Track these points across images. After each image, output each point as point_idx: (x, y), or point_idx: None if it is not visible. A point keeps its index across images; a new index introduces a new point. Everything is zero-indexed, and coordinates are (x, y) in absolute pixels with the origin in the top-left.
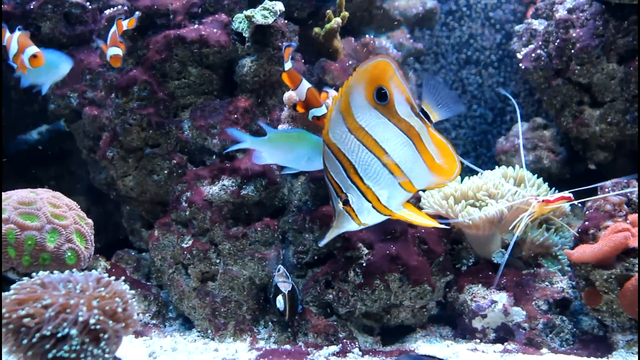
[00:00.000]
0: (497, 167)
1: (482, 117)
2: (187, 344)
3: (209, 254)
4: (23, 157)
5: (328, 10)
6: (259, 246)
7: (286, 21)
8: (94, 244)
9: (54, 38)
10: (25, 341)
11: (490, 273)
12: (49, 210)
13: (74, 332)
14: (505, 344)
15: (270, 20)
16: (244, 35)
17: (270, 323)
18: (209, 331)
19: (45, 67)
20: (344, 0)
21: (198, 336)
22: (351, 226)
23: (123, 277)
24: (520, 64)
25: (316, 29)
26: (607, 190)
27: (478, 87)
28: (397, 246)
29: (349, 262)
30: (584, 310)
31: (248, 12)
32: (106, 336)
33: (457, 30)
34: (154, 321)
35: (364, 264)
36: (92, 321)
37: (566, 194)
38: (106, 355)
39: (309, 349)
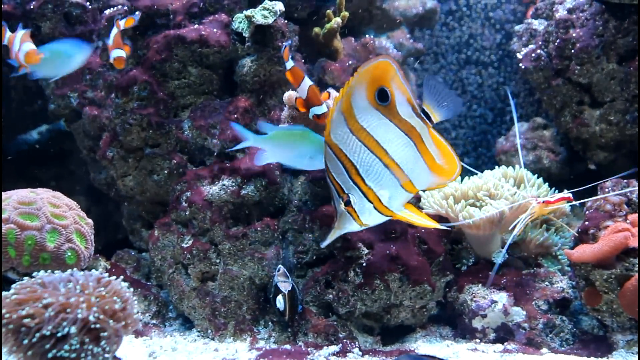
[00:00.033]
0: (497, 167)
1: (482, 117)
2: (187, 343)
3: (209, 254)
4: (23, 157)
5: (328, 10)
6: (258, 246)
7: (286, 21)
8: (94, 244)
9: (54, 38)
10: (25, 341)
11: (490, 273)
12: (49, 210)
13: (73, 330)
14: (505, 344)
15: (270, 20)
16: (244, 35)
17: (270, 323)
18: (209, 331)
19: (59, 58)
20: (344, 0)
21: (198, 336)
22: (353, 227)
23: (122, 277)
24: (520, 64)
25: (316, 29)
26: (607, 190)
27: (478, 87)
28: (397, 246)
29: (349, 262)
30: (584, 310)
31: (248, 12)
32: (105, 334)
33: (457, 30)
34: (154, 321)
35: (364, 264)
36: (91, 319)
37: (566, 194)
38: (106, 355)
39: (309, 349)
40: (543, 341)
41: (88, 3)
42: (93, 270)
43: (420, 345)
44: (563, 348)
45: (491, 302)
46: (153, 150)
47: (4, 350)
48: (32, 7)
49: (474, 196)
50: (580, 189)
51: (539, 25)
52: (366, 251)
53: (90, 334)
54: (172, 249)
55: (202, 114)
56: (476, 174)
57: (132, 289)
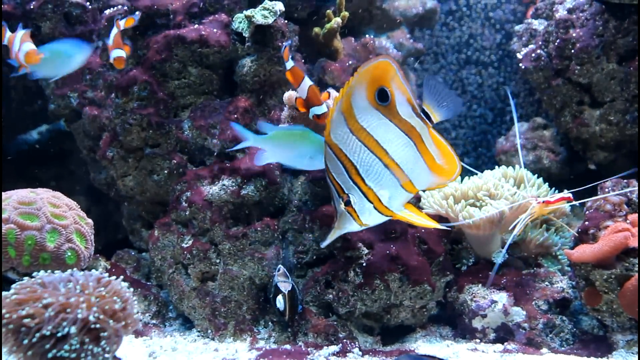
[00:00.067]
0: (497, 167)
1: (482, 117)
2: (187, 343)
3: (209, 254)
4: (23, 157)
5: (328, 10)
6: (258, 246)
7: (286, 21)
8: (94, 244)
9: (54, 38)
10: (25, 341)
11: (490, 273)
12: (49, 210)
13: (73, 330)
14: (505, 344)
15: (270, 20)
16: (244, 35)
17: (270, 323)
18: (209, 331)
19: (59, 58)
20: (344, 0)
21: (198, 336)
22: (353, 227)
23: (122, 277)
24: (520, 64)
25: (316, 29)
26: (607, 190)
27: (478, 87)
28: (397, 246)
29: (349, 262)
30: (584, 310)
31: (248, 12)
32: (105, 334)
33: (457, 30)
34: (154, 321)
35: (364, 264)
36: (91, 319)
37: (566, 194)
38: (106, 355)
39: (309, 349)
40: (543, 341)
41: (88, 3)
42: (93, 270)
43: (420, 345)
44: (563, 348)
45: (491, 302)
46: (153, 150)
47: (4, 350)
48: (32, 7)
49: (474, 196)
50: (580, 189)
51: (539, 25)
52: (366, 251)
53: (90, 334)
54: (172, 249)
55: (202, 114)
56: (476, 174)
57: (132, 289)
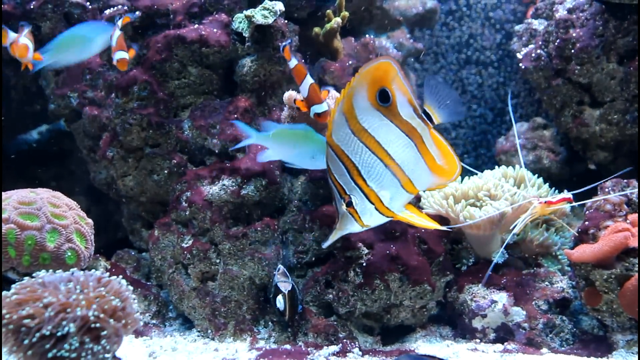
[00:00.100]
0: (497, 167)
1: (482, 117)
2: (187, 343)
3: (209, 254)
4: (23, 157)
5: (328, 10)
6: (259, 246)
7: (286, 21)
8: (94, 244)
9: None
10: (26, 341)
11: (490, 273)
12: (49, 210)
13: (72, 329)
14: (505, 343)
15: (270, 20)
16: (244, 35)
17: (270, 323)
18: (209, 331)
19: (81, 42)
20: (344, 0)
21: (198, 336)
22: (354, 228)
23: (122, 276)
24: (520, 64)
25: (316, 29)
26: (607, 190)
27: (478, 87)
28: (397, 246)
29: (349, 262)
30: (584, 310)
31: (248, 12)
32: (105, 333)
33: (457, 30)
34: (154, 321)
35: (364, 264)
36: (90, 315)
37: (567, 194)
38: (106, 355)
39: (309, 349)
40: (543, 341)
41: (88, 3)
42: (93, 270)
43: (420, 345)
44: (563, 348)
45: (491, 302)
46: (153, 150)
47: (4, 350)
48: (32, 7)
49: (474, 196)
50: (582, 190)
51: (539, 25)
52: (366, 251)
53: (90, 333)
54: (172, 249)
55: (202, 114)
56: (476, 173)
57: (131, 288)
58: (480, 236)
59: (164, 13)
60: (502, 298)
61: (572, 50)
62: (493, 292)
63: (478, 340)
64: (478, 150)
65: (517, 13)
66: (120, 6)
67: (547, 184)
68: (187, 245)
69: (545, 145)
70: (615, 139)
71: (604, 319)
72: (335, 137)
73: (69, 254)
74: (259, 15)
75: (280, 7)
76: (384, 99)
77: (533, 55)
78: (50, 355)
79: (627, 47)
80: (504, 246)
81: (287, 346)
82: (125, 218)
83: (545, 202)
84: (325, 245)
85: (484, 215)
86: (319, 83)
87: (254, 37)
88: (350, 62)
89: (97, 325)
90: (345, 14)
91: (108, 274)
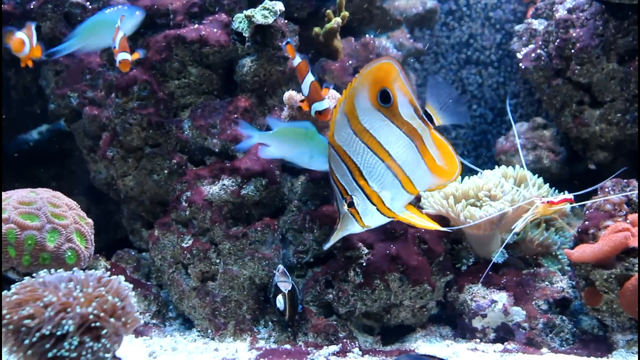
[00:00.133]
0: (497, 166)
1: (482, 117)
2: (187, 343)
3: (209, 254)
4: (23, 157)
5: (328, 10)
6: (259, 246)
7: (286, 21)
8: (94, 244)
9: (54, 38)
10: (26, 341)
11: (490, 273)
12: (49, 210)
13: (71, 327)
14: (505, 343)
15: (270, 20)
16: (244, 35)
17: (270, 323)
18: (209, 331)
19: (107, 27)
20: (344, 0)
21: (198, 336)
22: (355, 228)
23: (122, 276)
24: (520, 64)
25: (316, 29)
26: (607, 189)
27: (478, 87)
28: (397, 246)
29: (349, 261)
30: (584, 310)
31: (248, 12)
32: (105, 332)
33: (457, 30)
34: (154, 321)
35: (364, 264)
36: (89, 311)
37: (568, 195)
38: (106, 355)
39: (309, 349)
40: (543, 341)
41: (88, 3)
42: (93, 270)
43: (420, 345)
44: (563, 348)
45: (491, 301)
46: (153, 150)
47: (4, 350)
48: (32, 6)
49: (474, 196)
50: (583, 192)
51: (539, 25)
52: (366, 251)
53: (91, 333)
54: (172, 249)
55: (202, 114)
56: (479, 172)
57: (131, 286)
58: (480, 236)
59: (164, 13)
60: (502, 298)
61: (572, 50)
62: (493, 292)
63: (478, 340)
64: (478, 150)
65: (517, 13)
66: (120, 6)
67: (547, 184)
68: (187, 245)
69: (545, 145)
70: (615, 139)
71: (604, 319)
72: (337, 137)
73: (69, 253)
74: (259, 15)
75: (280, 7)
76: (385, 99)
77: (533, 55)
78: (50, 355)
79: (627, 47)
80: (503, 246)
81: (287, 346)
82: (125, 218)
83: (548, 202)
84: (326, 246)
85: (484, 215)
86: (319, 83)
87: (254, 37)
88: (350, 62)
89: (97, 324)
90: (345, 13)
91: (109, 273)
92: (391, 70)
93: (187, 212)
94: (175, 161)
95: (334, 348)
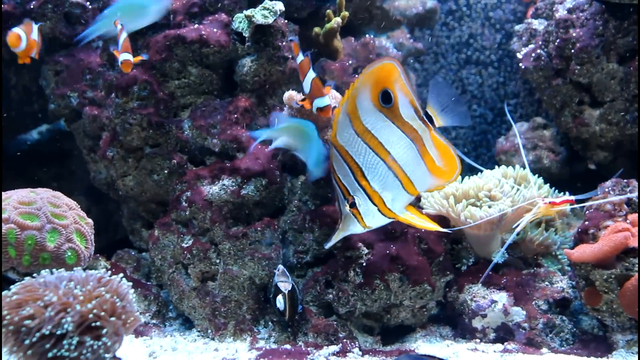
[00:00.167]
0: (497, 167)
1: (482, 117)
2: (187, 343)
3: (209, 254)
4: (23, 157)
5: (328, 10)
6: (259, 246)
7: (286, 21)
8: (94, 244)
9: (54, 38)
10: (26, 341)
11: (490, 273)
12: (49, 210)
13: (70, 326)
14: (505, 343)
15: (270, 20)
16: (244, 35)
17: (270, 323)
18: (209, 331)
19: (135, 11)
20: (344, 0)
21: (198, 336)
22: (357, 229)
23: (121, 275)
24: (520, 64)
25: (316, 29)
26: (606, 189)
27: (478, 87)
28: (397, 246)
29: (349, 261)
30: (584, 310)
31: (248, 12)
32: (105, 332)
33: (457, 30)
34: (154, 321)
35: (364, 264)
36: (89, 307)
37: (570, 197)
38: (106, 355)
39: (309, 349)
40: (543, 341)
41: (88, 3)
42: (94, 271)
43: (420, 345)
44: (563, 348)
45: (491, 302)
46: (153, 150)
47: (4, 350)
48: (32, 7)
49: (474, 196)
50: (586, 196)
51: (539, 25)
52: (366, 251)
53: (91, 332)
54: (172, 249)
55: (202, 114)
56: (482, 170)
57: (131, 284)
58: (480, 236)
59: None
60: (502, 298)
61: (572, 50)
62: (493, 292)
63: (478, 340)
64: (478, 150)
65: (517, 13)
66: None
67: (547, 184)
68: (187, 245)
69: (545, 145)
70: (615, 139)
71: (604, 319)
72: (340, 137)
73: (69, 253)
74: (259, 15)
75: (280, 7)
76: (386, 100)
77: (533, 55)
78: (50, 355)
79: (627, 47)
80: (505, 247)
81: (287, 346)
82: (125, 218)
83: (550, 202)
84: (327, 246)
85: (485, 215)
86: (321, 81)
87: (254, 37)
88: (350, 62)
89: (97, 324)
90: (345, 13)
91: (109, 273)
92: (393, 70)
93: (187, 212)
94: (175, 161)
95: (334, 348)
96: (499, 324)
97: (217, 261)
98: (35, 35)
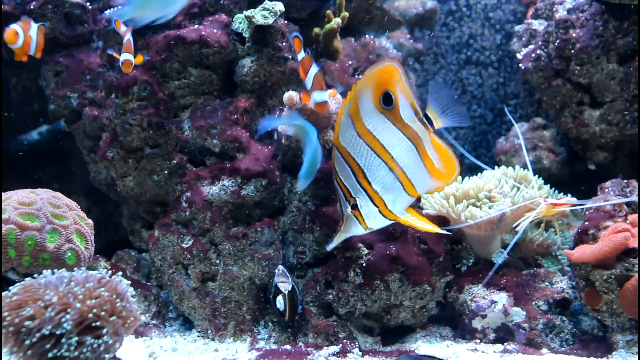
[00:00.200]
0: (496, 167)
1: (482, 117)
2: (187, 344)
3: (209, 254)
4: (23, 157)
5: (328, 11)
6: (259, 246)
7: (286, 21)
8: (94, 244)
9: (54, 38)
10: (26, 341)
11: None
12: (49, 211)
13: (70, 324)
14: (505, 344)
15: (270, 21)
16: (244, 35)
17: (270, 323)
18: (209, 331)
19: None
20: (344, 1)
21: (198, 336)
22: (358, 230)
23: (121, 274)
24: (520, 64)
25: (316, 30)
26: (606, 190)
27: (478, 87)
28: (397, 246)
29: (349, 262)
30: (584, 310)
31: (248, 13)
32: (105, 331)
33: (457, 31)
34: (154, 321)
35: (364, 264)
36: (89, 304)
37: (572, 199)
38: (106, 355)
39: (309, 349)
40: (543, 341)
41: (88, 3)
42: (95, 271)
43: (420, 345)
44: (563, 348)
45: (491, 302)
46: (153, 150)
47: (4, 350)
48: (32, 7)
49: (475, 196)
50: (589, 203)
51: (539, 25)
52: (366, 251)
53: (90, 332)
54: (172, 250)
55: (202, 114)
56: (486, 168)
57: (130, 283)
58: (480, 236)
59: None
60: (502, 298)
61: (572, 51)
62: (493, 292)
63: (478, 341)
64: (478, 151)
65: (517, 13)
66: (120, 6)
67: (548, 185)
68: (187, 245)
69: (545, 146)
70: (615, 139)
71: (604, 319)
72: (342, 139)
73: (69, 254)
74: (259, 16)
75: (280, 7)
76: (387, 101)
77: (533, 55)
78: (50, 355)
79: (627, 48)
80: (508, 249)
81: (287, 346)
82: (125, 218)
83: (552, 203)
84: (329, 247)
85: (485, 215)
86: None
87: (254, 38)
88: (350, 63)
89: (97, 323)
90: (345, 14)
91: (109, 274)
92: (394, 72)
93: (187, 213)
94: (175, 162)
95: (334, 348)
96: (499, 325)
97: (217, 262)
98: (33, 32)
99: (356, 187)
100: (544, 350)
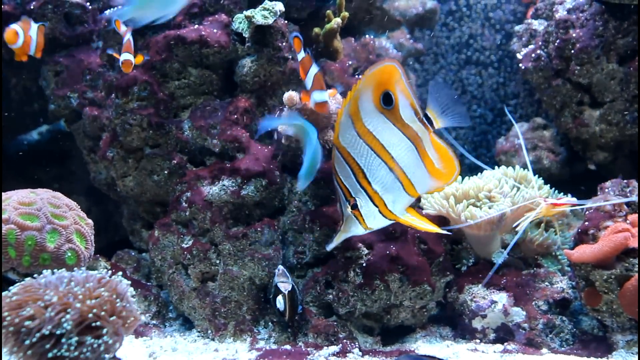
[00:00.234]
0: (496, 167)
1: (482, 117)
2: (187, 344)
3: (209, 254)
4: (23, 157)
5: (328, 11)
6: (259, 246)
7: (286, 21)
8: (94, 244)
9: (54, 38)
10: (26, 341)
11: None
12: (49, 211)
13: (69, 324)
14: (505, 344)
15: (270, 21)
16: (244, 35)
17: (270, 323)
18: (209, 331)
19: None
20: (344, 1)
21: (198, 336)
22: (358, 230)
23: (121, 273)
24: (520, 64)
25: (316, 30)
26: (607, 190)
27: (478, 87)
28: (397, 246)
29: (349, 262)
30: (584, 310)
31: (248, 13)
32: (105, 331)
33: (457, 31)
34: (154, 321)
35: (364, 264)
36: (89, 304)
37: (573, 199)
38: (106, 355)
39: (309, 349)
40: (543, 341)
41: (88, 3)
42: (94, 271)
43: (420, 345)
44: (563, 348)
45: (491, 302)
46: (153, 150)
47: (4, 350)
48: (32, 7)
49: (475, 196)
50: (586, 203)
51: (539, 25)
52: (366, 251)
53: (90, 332)
54: (172, 250)
55: (202, 114)
56: (486, 168)
57: (129, 282)
58: (480, 236)
59: None
60: (502, 298)
61: (572, 51)
62: (493, 292)
63: (478, 341)
64: (478, 151)
65: (517, 13)
66: (120, 6)
67: (548, 185)
68: (187, 245)
69: (545, 146)
70: (615, 139)
71: (603, 319)
72: (342, 139)
73: (69, 254)
74: (259, 16)
75: (280, 7)
76: (387, 101)
77: (533, 55)
78: (50, 355)
79: (627, 48)
80: (509, 249)
81: (287, 346)
82: (125, 218)
83: (552, 203)
84: (329, 247)
85: (485, 215)
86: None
87: (254, 38)
88: (350, 63)
89: (97, 323)
90: (345, 14)
91: (109, 274)
92: (394, 72)
93: (187, 213)
94: (175, 162)
95: (334, 348)
96: (499, 325)
97: (217, 262)
98: (33, 32)
99: (356, 187)
100: (544, 350)
